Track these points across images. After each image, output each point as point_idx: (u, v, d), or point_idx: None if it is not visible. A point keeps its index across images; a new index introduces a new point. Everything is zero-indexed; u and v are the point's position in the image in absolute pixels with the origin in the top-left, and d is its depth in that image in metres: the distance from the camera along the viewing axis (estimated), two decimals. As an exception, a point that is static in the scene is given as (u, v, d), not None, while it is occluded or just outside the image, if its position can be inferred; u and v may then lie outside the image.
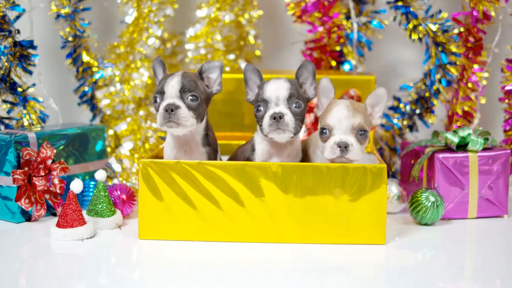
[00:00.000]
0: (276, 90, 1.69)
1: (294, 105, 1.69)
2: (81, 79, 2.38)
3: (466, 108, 2.36)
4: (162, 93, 1.71)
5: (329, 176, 1.67)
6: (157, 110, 1.71)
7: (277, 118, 1.65)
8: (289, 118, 1.67)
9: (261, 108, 1.70)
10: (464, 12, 2.31)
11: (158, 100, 1.72)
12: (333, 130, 1.71)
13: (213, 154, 1.82)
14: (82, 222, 1.73)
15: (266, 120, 1.67)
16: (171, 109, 1.66)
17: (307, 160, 1.88)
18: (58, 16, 2.26)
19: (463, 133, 1.95)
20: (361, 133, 1.71)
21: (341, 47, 2.43)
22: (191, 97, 1.70)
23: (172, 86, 1.69)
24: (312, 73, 1.76)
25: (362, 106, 1.76)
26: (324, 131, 1.73)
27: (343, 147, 1.68)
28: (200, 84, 1.75)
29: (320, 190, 1.67)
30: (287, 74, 2.10)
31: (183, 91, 1.69)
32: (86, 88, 2.38)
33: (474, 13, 2.23)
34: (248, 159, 1.80)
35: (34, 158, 1.88)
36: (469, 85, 2.35)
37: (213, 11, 2.37)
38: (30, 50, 2.19)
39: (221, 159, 1.91)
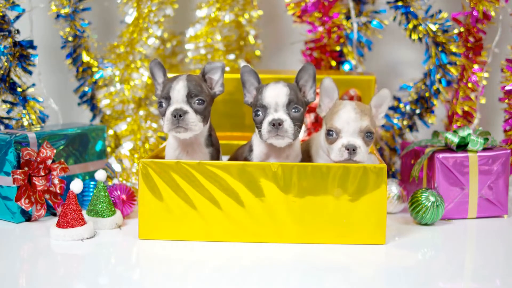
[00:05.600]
0: (276, 96, 1.67)
1: (293, 110, 1.68)
2: (81, 79, 2.38)
3: (466, 108, 2.36)
4: (168, 98, 1.69)
5: (329, 176, 1.67)
6: (163, 115, 1.70)
7: (276, 124, 1.64)
8: (288, 125, 1.65)
9: (260, 113, 1.69)
10: (464, 12, 2.31)
11: (164, 105, 1.69)
12: (341, 133, 1.71)
13: (216, 154, 1.81)
14: (82, 222, 1.73)
15: (265, 126, 1.66)
16: (179, 115, 1.65)
17: (309, 160, 1.87)
18: (58, 16, 2.26)
19: (463, 133, 1.95)
20: (367, 135, 1.72)
21: (341, 47, 2.43)
22: (198, 101, 1.68)
23: (178, 91, 1.68)
24: (312, 76, 1.74)
25: (367, 107, 1.76)
26: (331, 133, 1.72)
27: (351, 150, 1.68)
28: (205, 87, 1.73)
29: (320, 190, 1.67)
30: (287, 75, 2.11)
31: (190, 96, 1.68)
32: (86, 88, 2.38)
33: (474, 13, 2.23)
34: (246, 159, 1.79)
35: (34, 158, 1.88)
36: (469, 85, 2.35)
37: (213, 11, 2.37)
38: (30, 50, 2.19)
39: (221, 159, 1.91)
